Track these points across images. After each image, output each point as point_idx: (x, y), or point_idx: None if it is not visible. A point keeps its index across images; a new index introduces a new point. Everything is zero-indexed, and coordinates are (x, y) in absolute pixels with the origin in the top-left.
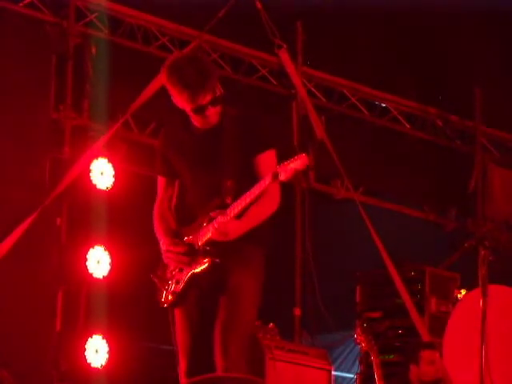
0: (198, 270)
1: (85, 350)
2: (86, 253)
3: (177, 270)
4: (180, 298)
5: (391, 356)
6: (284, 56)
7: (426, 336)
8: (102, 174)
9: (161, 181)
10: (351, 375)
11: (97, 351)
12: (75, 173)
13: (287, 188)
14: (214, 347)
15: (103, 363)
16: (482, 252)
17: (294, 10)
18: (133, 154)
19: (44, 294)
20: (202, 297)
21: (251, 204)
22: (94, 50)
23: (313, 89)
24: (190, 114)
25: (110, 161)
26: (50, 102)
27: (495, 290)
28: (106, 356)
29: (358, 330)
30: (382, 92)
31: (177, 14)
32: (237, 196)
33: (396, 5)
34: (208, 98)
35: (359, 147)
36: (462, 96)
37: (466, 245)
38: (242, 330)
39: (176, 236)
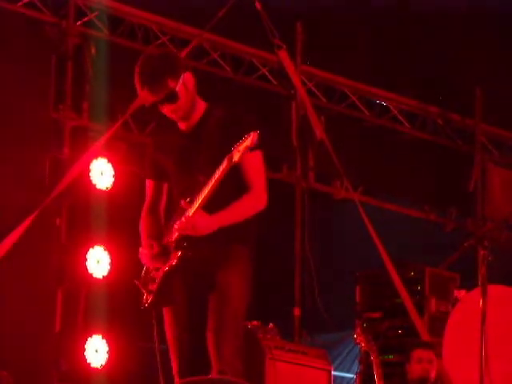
0: (169, 265)
1: (84, 349)
2: (86, 253)
3: (154, 270)
4: (157, 296)
5: (391, 356)
6: (283, 56)
7: (425, 336)
8: (102, 174)
9: (149, 184)
10: (350, 375)
11: (96, 351)
12: (75, 173)
13: (287, 188)
14: (208, 349)
15: (103, 363)
16: (482, 252)
17: (293, 10)
18: (132, 154)
19: (44, 294)
20: (191, 298)
21: (217, 193)
22: (93, 50)
23: (313, 88)
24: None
25: (109, 161)
26: (50, 103)
27: (495, 289)
28: (106, 356)
29: (358, 330)
30: (382, 90)
31: (177, 12)
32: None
33: (396, 4)
34: (157, 95)
35: (359, 147)
36: (462, 95)
37: (465, 245)
38: (234, 331)
39: (157, 237)
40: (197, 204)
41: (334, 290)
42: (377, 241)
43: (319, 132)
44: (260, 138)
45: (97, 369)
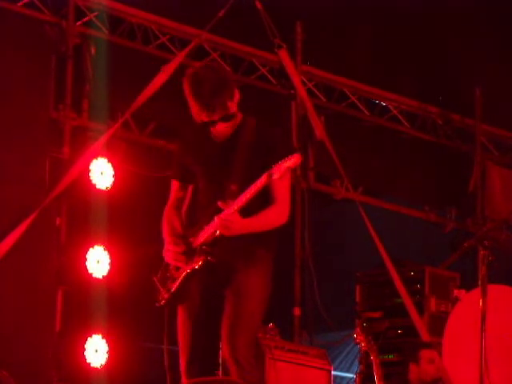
0: (191, 268)
1: (84, 349)
2: (86, 253)
3: (175, 268)
4: (175, 296)
5: (391, 356)
6: (283, 56)
7: (425, 336)
8: (102, 173)
9: (174, 184)
10: (350, 375)
11: (96, 351)
12: (75, 173)
13: None
14: (222, 343)
15: (103, 363)
16: (482, 252)
17: (294, 9)
18: (132, 153)
19: (44, 294)
20: (207, 295)
21: (252, 204)
22: (93, 50)
23: (313, 88)
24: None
25: (109, 161)
26: (50, 102)
27: (495, 289)
28: (106, 356)
29: (358, 330)
30: (382, 91)
31: (177, 12)
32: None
33: (396, 3)
34: (217, 115)
35: (359, 147)
36: (462, 95)
37: (465, 245)
38: (250, 329)
39: (180, 237)
40: (235, 207)
41: (334, 289)
42: (377, 241)
43: (319, 132)
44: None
45: (97, 369)
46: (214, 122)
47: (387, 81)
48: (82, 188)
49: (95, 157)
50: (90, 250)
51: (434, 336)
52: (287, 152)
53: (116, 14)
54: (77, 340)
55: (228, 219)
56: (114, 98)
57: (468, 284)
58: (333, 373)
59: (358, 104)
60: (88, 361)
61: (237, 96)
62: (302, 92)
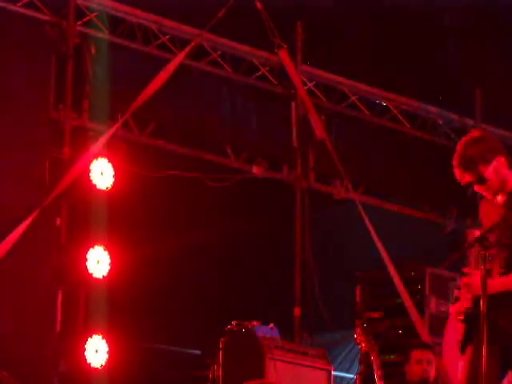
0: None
1: (85, 350)
2: (86, 253)
3: None
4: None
5: (391, 356)
6: (284, 56)
7: (425, 336)
8: (102, 174)
9: None
10: (350, 375)
11: (97, 351)
12: (75, 173)
13: (287, 188)
14: None
15: (103, 363)
16: (482, 252)
17: (293, 10)
18: (133, 154)
19: (44, 295)
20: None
21: None
22: (93, 50)
23: (313, 88)
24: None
25: (109, 161)
26: (50, 102)
27: None
28: (106, 356)
29: (358, 330)
30: (382, 90)
31: (177, 12)
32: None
33: (397, 3)
34: (468, 177)
35: (359, 147)
36: (462, 95)
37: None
38: None
39: None
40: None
41: (333, 289)
42: (377, 241)
43: (319, 132)
44: None
45: (97, 369)
46: (470, 183)
47: (387, 81)
48: (82, 188)
49: (95, 157)
50: (90, 249)
51: (434, 336)
52: None
53: (116, 13)
54: (77, 340)
55: (466, 281)
56: (114, 98)
57: None
58: (333, 373)
59: (358, 104)
60: (88, 361)
61: (501, 163)
62: (302, 92)
